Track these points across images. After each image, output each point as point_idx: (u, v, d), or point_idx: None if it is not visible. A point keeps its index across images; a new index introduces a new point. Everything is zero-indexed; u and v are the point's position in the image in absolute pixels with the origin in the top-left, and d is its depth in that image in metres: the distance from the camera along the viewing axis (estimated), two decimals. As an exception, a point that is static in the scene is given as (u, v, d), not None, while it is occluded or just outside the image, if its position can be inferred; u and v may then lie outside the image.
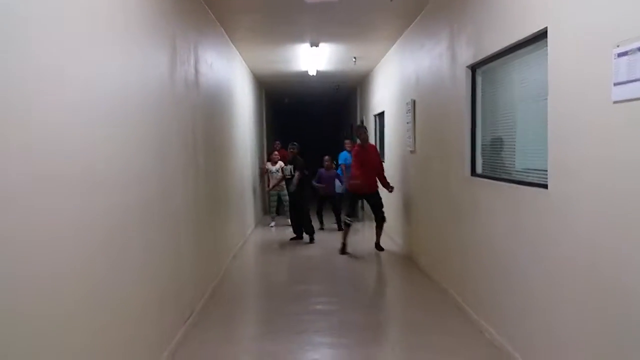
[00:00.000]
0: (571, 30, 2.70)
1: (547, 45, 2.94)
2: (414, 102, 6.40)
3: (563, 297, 2.82)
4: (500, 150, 3.95)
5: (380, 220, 7.12)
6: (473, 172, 4.37)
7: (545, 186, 3.01)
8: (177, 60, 4.06)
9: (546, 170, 3.02)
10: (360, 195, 7.21)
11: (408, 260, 6.51)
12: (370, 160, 7.06)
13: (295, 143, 8.69)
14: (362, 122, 11.52)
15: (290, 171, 8.50)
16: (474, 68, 4.32)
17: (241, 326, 4.41)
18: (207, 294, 4.90)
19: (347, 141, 10.68)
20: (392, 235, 7.77)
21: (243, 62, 8.74)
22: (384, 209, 7.08)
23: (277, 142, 11.49)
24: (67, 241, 2.19)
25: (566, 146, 2.76)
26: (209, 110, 5.50)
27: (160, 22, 3.62)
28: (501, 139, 3.93)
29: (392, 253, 7.00)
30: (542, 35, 3.05)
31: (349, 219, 7.05)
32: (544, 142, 3.02)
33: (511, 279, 3.48)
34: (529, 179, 3.35)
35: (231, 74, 7.22)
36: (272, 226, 9.77)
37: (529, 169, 3.46)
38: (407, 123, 6.72)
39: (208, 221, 5.15)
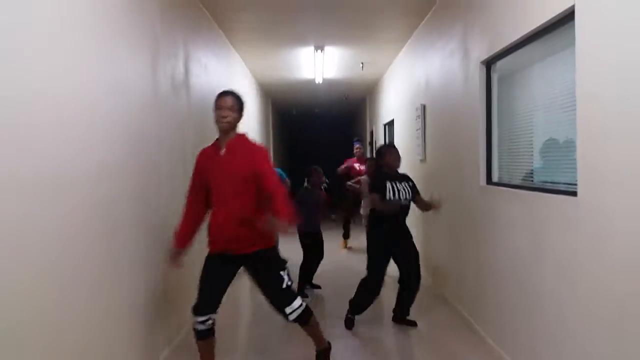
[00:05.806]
0: (602, 9, 2.26)
1: (573, 30, 2.51)
2: (423, 107, 5.97)
3: (598, 328, 2.34)
4: (520, 156, 3.49)
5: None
6: (489, 180, 3.91)
7: (574, 193, 2.55)
8: (160, 54, 3.68)
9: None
10: None
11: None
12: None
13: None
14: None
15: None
16: (489, 64, 3.87)
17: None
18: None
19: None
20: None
21: (247, 69, 8.39)
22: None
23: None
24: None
25: (599, 147, 2.30)
26: (203, 117, 5.11)
27: (137, 15, 3.26)
28: (522, 142, 3.48)
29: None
30: (569, 16, 2.61)
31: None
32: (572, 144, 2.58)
33: (531, 300, 3.00)
34: (556, 187, 2.89)
35: (232, 78, 6.85)
36: None
37: (553, 178, 3.00)
38: (417, 130, 6.29)
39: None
